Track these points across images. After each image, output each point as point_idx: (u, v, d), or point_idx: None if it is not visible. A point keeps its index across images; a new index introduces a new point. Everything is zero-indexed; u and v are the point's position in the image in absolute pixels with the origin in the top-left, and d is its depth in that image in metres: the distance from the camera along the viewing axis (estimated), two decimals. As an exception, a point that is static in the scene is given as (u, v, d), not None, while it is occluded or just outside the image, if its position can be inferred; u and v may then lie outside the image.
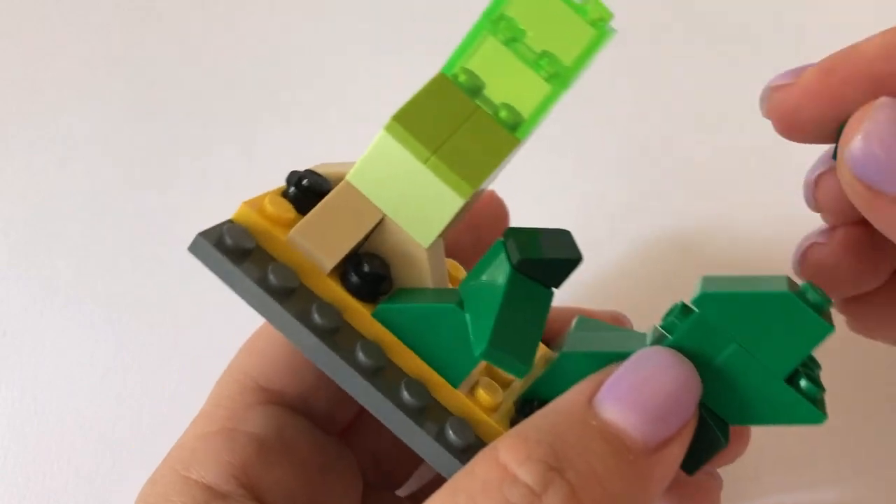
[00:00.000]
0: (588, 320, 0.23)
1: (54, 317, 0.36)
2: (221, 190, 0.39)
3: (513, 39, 0.21)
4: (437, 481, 0.20)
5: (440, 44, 0.23)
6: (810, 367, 0.21)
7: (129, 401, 0.34)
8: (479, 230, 0.27)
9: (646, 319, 0.24)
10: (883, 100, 0.19)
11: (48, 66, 0.42)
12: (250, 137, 0.40)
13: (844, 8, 0.41)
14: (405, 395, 0.20)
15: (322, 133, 0.40)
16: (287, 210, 0.22)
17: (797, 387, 0.20)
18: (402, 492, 0.28)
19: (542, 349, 0.25)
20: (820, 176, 0.22)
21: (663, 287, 0.33)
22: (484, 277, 0.21)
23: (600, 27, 0.21)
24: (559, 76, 0.21)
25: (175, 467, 0.22)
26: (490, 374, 0.22)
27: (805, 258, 0.24)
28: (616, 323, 0.26)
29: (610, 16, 0.21)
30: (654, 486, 0.19)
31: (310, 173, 0.22)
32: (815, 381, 0.20)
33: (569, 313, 0.26)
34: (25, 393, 0.34)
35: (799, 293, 0.20)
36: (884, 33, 0.21)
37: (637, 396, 0.19)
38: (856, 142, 0.19)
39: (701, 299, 0.20)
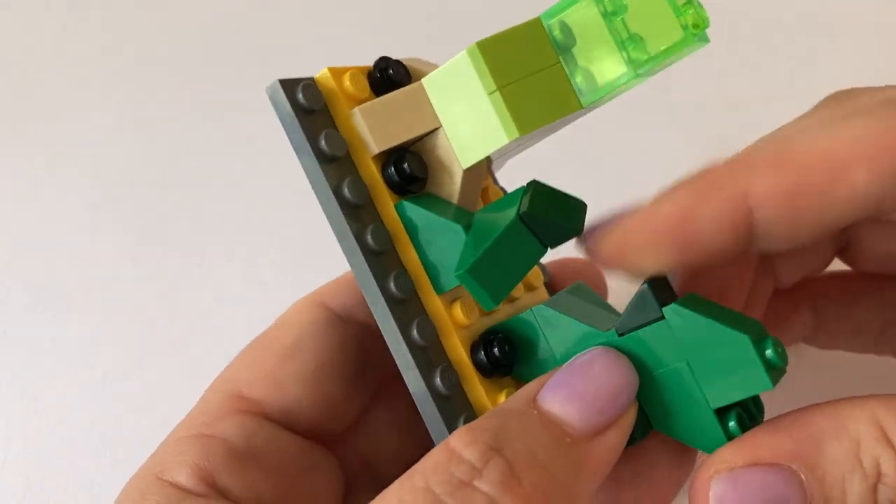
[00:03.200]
0: (585, 287, 0.25)
1: (54, 317, 0.36)
2: (222, 189, 0.39)
3: (612, 13, 0.22)
4: None
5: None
6: (753, 412, 0.22)
7: (129, 401, 0.34)
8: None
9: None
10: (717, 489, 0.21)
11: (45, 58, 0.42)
12: (247, 140, 0.40)
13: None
14: (392, 284, 0.23)
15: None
16: (363, 89, 0.24)
17: (725, 423, 0.21)
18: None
19: (539, 296, 0.26)
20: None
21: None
22: (495, 213, 0.22)
23: (689, 33, 0.21)
24: (637, 63, 0.22)
25: (153, 468, 0.23)
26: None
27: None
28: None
29: (705, 25, 0.21)
30: (592, 469, 0.21)
31: (397, 64, 0.24)
32: (745, 426, 0.21)
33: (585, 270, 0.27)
34: (25, 393, 0.34)
35: (759, 342, 0.20)
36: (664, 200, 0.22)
37: (574, 391, 0.21)
38: None
39: (672, 310, 0.21)
